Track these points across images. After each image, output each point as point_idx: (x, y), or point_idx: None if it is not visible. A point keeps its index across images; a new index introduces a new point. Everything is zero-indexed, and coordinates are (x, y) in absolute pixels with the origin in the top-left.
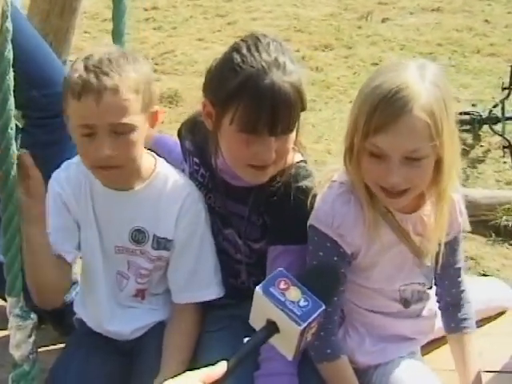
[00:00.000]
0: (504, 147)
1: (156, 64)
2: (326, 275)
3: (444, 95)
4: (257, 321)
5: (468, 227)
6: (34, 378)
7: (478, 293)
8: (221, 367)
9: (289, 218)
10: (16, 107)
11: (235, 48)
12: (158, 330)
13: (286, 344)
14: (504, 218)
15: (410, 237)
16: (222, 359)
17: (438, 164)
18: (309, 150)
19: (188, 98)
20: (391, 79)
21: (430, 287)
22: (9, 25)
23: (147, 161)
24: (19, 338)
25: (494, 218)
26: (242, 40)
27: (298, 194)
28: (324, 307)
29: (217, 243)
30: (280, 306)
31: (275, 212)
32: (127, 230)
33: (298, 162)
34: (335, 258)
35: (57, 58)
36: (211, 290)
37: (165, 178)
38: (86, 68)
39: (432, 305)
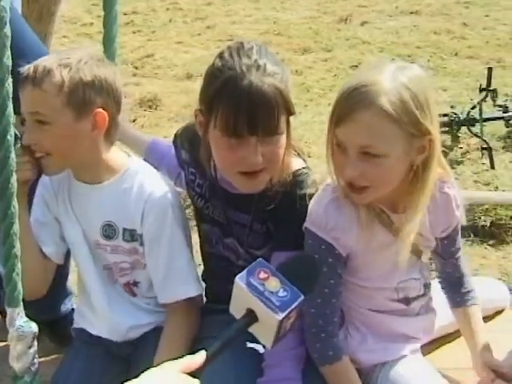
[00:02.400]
0: (482, 148)
1: (135, 68)
2: (306, 265)
3: (416, 99)
4: (237, 309)
5: (464, 221)
6: None
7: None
8: (200, 356)
9: (293, 226)
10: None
11: (219, 55)
12: (156, 336)
13: (265, 333)
14: (482, 218)
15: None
16: (222, 364)
17: (415, 167)
18: None
19: (168, 101)
20: (364, 76)
21: (429, 285)
22: (7, 31)
23: (119, 157)
24: (19, 349)
25: (472, 219)
26: (228, 46)
27: (303, 201)
28: (303, 297)
29: (217, 251)
30: (259, 296)
31: (279, 219)
32: (99, 224)
33: (300, 169)
34: (330, 260)
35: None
36: (189, 288)
37: (134, 175)
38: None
39: (431, 303)
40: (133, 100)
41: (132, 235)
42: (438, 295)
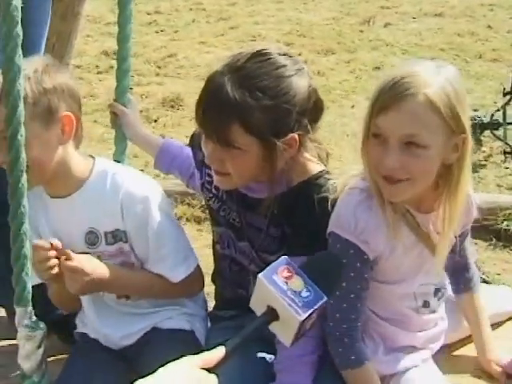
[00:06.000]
0: (505, 152)
1: (158, 67)
2: (330, 266)
3: (457, 95)
4: (257, 305)
5: (477, 215)
6: None
7: (486, 300)
8: (218, 351)
9: (310, 230)
10: None
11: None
12: (153, 337)
13: (284, 331)
14: (505, 222)
15: (429, 237)
16: (230, 369)
17: (451, 166)
18: None
19: (190, 101)
20: (403, 68)
21: (443, 294)
22: (19, 30)
23: (82, 163)
24: (28, 348)
25: (495, 223)
26: (265, 60)
27: (321, 205)
28: (326, 299)
29: (229, 254)
30: (282, 295)
31: (297, 223)
32: (81, 234)
33: (318, 173)
34: (358, 265)
35: None
36: (177, 272)
37: (104, 175)
38: None
39: (443, 312)
40: (155, 100)
41: (115, 236)
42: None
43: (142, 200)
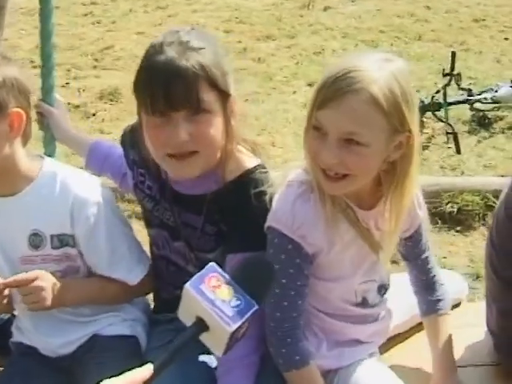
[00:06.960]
0: (447, 133)
1: (95, 60)
2: (261, 272)
3: (404, 92)
4: (186, 316)
5: (427, 221)
6: None
7: None
8: (146, 370)
9: (249, 225)
10: None
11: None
12: (93, 345)
13: (215, 342)
14: (449, 204)
15: (369, 232)
16: (169, 379)
17: (395, 163)
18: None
19: (129, 94)
20: (349, 62)
21: (386, 286)
22: None
23: (31, 162)
24: None
25: (439, 205)
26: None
27: (257, 199)
28: (257, 307)
29: (165, 255)
30: (210, 305)
31: (233, 219)
32: (25, 236)
33: (254, 167)
34: (297, 260)
35: None
36: (133, 274)
37: (53, 176)
38: None
39: (387, 305)
40: (93, 93)
41: (61, 240)
42: (398, 292)
43: (94, 204)
